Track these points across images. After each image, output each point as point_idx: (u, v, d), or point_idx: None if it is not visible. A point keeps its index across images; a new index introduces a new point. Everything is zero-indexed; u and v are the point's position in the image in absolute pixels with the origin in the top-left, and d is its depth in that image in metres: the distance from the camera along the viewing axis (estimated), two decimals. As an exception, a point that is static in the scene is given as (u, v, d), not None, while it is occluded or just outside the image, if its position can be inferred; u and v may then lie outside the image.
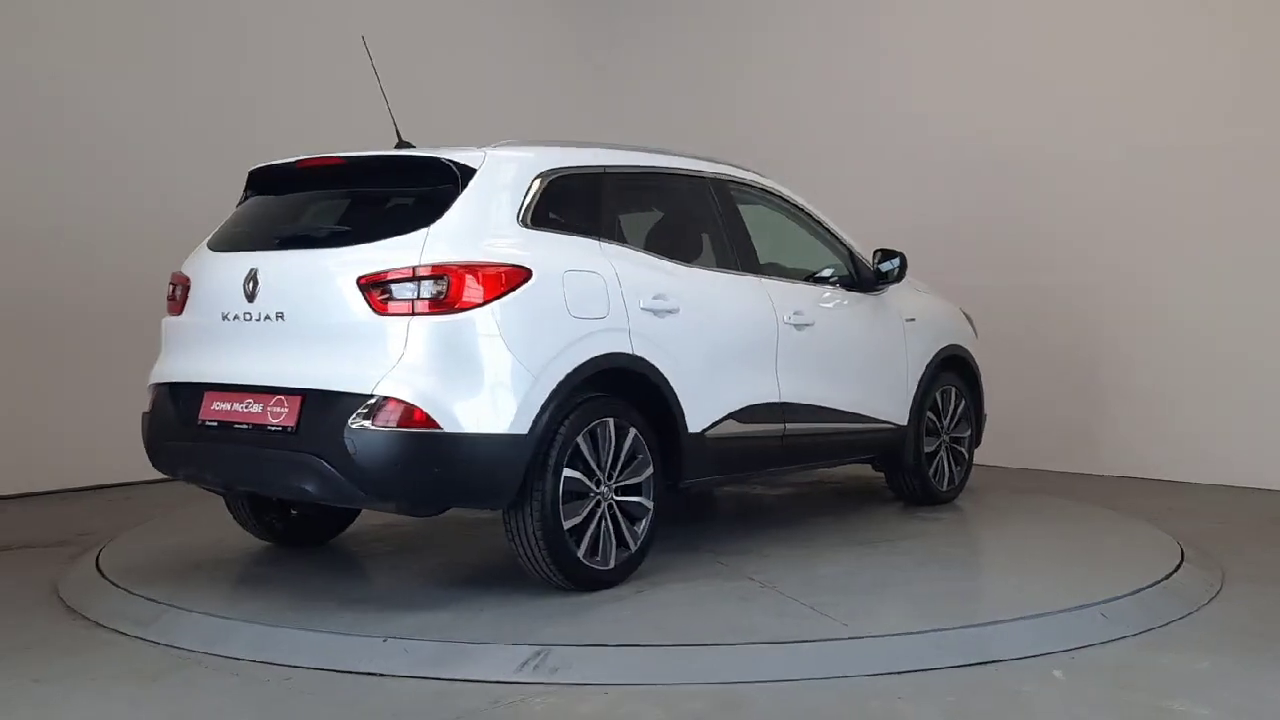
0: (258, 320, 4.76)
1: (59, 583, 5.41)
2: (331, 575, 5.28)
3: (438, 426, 4.39)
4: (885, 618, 4.48)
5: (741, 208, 6.08)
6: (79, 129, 7.88)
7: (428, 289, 4.46)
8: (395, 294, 4.48)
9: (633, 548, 4.98)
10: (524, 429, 4.53)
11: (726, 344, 5.43)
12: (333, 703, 3.89)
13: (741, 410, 5.46)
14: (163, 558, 5.65)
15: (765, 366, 5.61)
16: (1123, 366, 8.15)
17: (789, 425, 5.73)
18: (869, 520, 6.39)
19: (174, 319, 5.21)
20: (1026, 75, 8.55)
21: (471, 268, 4.51)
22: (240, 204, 5.43)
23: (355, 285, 4.53)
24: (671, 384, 5.09)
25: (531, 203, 4.87)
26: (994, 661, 4.21)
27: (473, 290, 4.49)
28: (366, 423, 4.40)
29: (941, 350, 6.71)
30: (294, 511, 5.77)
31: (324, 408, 4.51)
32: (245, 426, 4.71)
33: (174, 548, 5.89)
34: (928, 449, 6.65)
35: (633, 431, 4.96)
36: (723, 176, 5.90)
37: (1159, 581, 5.06)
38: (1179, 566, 5.31)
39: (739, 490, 7.45)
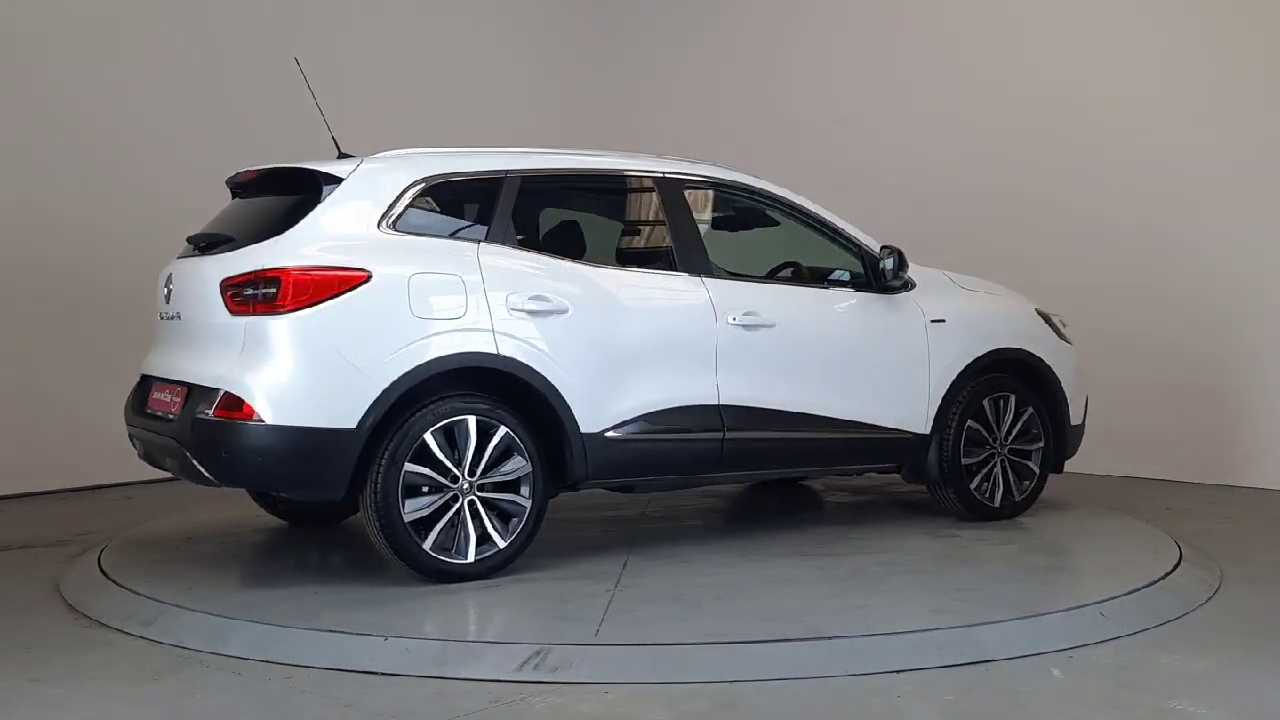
0: (170, 320, 5.37)
1: (60, 582, 5.42)
2: (333, 574, 5.29)
3: (260, 419, 4.75)
4: (680, 633, 4.36)
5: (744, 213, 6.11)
6: (78, 131, 7.88)
7: (264, 291, 4.85)
8: (242, 296, 4.91)
9: (501, 544, 5.06)
10: (351, 424, 4.79)
11: (636, 344, 5.37)
12: (334, 702, 3.90)
13: (661, 412, 5.40)
14: (164, 557, 5.66)
15: (697, 367, 5.50)
16: (1120, 367, 8.15)
17: (732, 430, 5.57)
18: (868, 532, 6.04)
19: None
20: (1030, 71, 8.57)
21: (304, 271, 4.85)
22: None
23: (219, 288, 4.98)
24: (554, 384, 5.14)
25: (399, 208, 5.13)
26: (992, 660, 4.23)
27: (303, 292, 4.82)
28: (207, 413, 4.86)
29: (989, 354, 6.21)
30: None
31: (192, 399, 5.00)
32: (159, 414, 5.26)
33: (175, 547, 5.90)
34: (970, 459, 6.15)
35: (502, 429, 5.05)
36: (676, 176, 5.78)
37: (1157, 581, 5.06)
38: (1177, 566, 5.31)
39: (819, 489, 7.37)
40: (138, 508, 7.20)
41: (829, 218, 6.11)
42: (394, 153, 5.39)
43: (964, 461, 6.14)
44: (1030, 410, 6.34)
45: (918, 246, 6.52)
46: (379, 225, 5.07)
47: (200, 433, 4.89)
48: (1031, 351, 6.38)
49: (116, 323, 7.56)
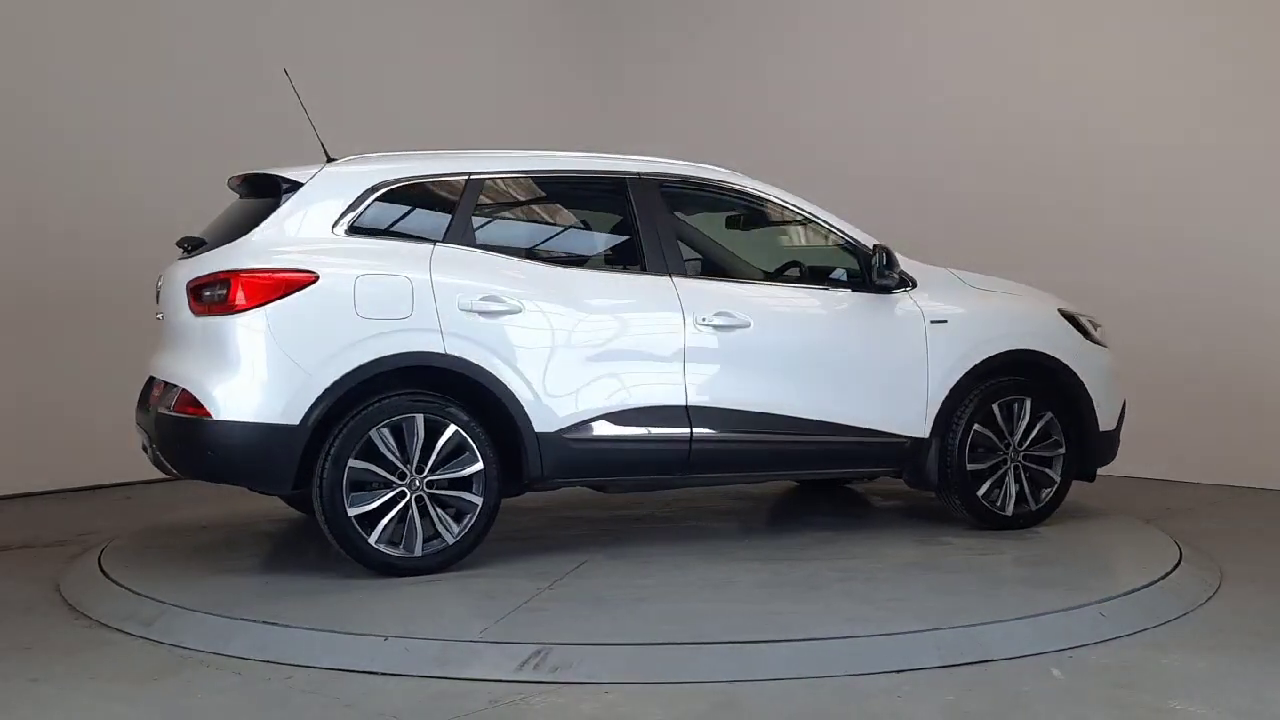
0: (159, 320, 5.56)
1: (61, 582, 5.43)
2: (333, 574, 5.28)
3: (208, 414, 4.99)
4: (575, 634, 4.36)
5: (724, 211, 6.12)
6: (78, 132, 7.88)
7: (217, 293, 5.09)
8: (202, 297, 5.15)
9: (449, 540, 5.17)
10: (294, 420, 4.97)
11: (595, 344, 5.39)
12: (334, 702, 3.91)
13: (622, 412, 5.40)
14: (164, 557, 5.66)
15: (662, 368, 5.47)
16: (1121, 367, 8.15)
17: (701, 432, 5.53)
18: (859, 538, 5.91)
19: None
20: (1037, 68, 8.57)
21: (253, 273, 5.04)
22: None
23: (185, 290, 5.22)
24: (505, 383, 5.21)
25: (355, 212, 5.28)
26: (992, 660, 4.23)
27: (249, 293, 5.02)
28: (169, 409, 5.17)
29: (1001, 355, 5.98)
30: None
31: (162, 396, 5.30)
32: (148, 410, 5.46)
33: (176, 547, 5.90)
34: (978, 465, 5.91)
35: (452, 428, 5.14)
36: (649, 176, 5.74)
37: (1157, 581, 5.07)
38: (1177, 566, 5.31)
39: (860, 491, 7.23)
40: (138, 508, 7.20)
41: (823, 216, 5.98)
42: (356, 157, 5.51)
43: (970, 467, 5.91)
44: (1049, 415, 6.05)
45: (937, 246, 6.43)
46: (334, 228, 5.23)
47: (162, 427, 5.23)
48: (1049, 354, 6.11)
49: (117, 323, 7.56)
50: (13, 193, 7.65)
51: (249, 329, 4.99)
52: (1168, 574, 5.18)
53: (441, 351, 5.14)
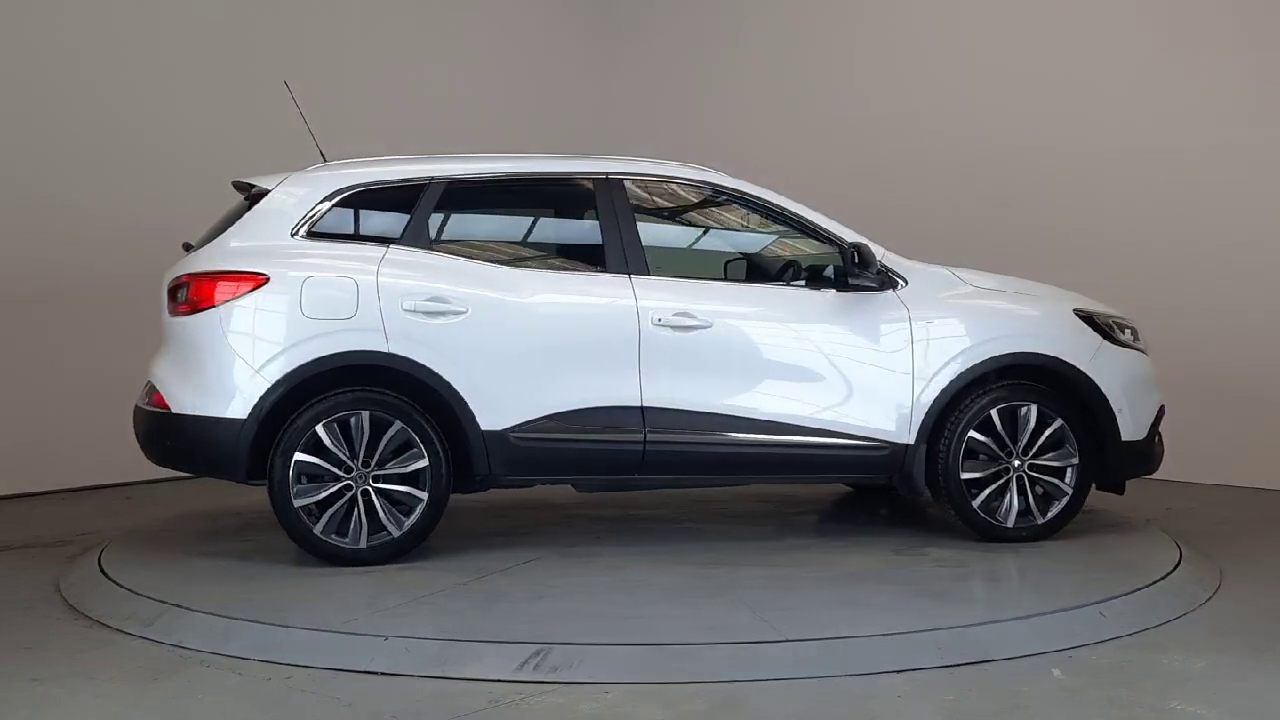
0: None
1: (60, 582, 5.43)
2: (332, 574, 5.29)
3: (168, 408, 5.38)
4: (456, 630, 4.40)
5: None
6: (80, 133, 7.88)
7: (180, 294, 5.46)
8: (175, 298, 5.51)
9: (395, 533, 5.35)
10: (242, 414, 5.26)
11: (542, 344, 5.44)
12: (333, 702, 3.91)
13: (572, 412, 5.44)
14: (164, 557, 5.66)
15: (614, 368, 5.46)
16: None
17: (655, 433, 5.49)
18: (841, 544, 5.75)
19: None
20: (1025, 73, 8.57)
21: (210, 276, 5.38)
22: None
23: (167, 291, 5.59)
24: (450, 381, 5.35)
25: (314, 217, 5.54)
26: (993, 660, 4.23)
27: (206, 294, 5.36)
28: (143, 403, 5.61)
29: (997, 358, 5.68)
30: None
31: (144, 390, 5.68)
32: None
33: (176, 547, 5.90)
34: (973, 474, 5.66)
35: (397, 424, 5.32)
36: (620, 176, 5.75)
37: (1157, 581, 5.07)
38: (1177, 566, 5.32)
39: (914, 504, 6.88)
40: (138, 507, 7.21)
41: (807, 215, 5.81)
42: (323, 165, 5.76)
43: (965, 476, 5.64)
44: (1059, 422, 5.72)
45: (944, 246, 6.35)
46: (293, 233, 5.48)
47: (138, 420, 5.66)
48: (1058, 357, 5.75)
49: (117, 324, 7.56)
50: (14, 193, 7.65)
51: (204, 328, 5.32)
52: (1168, 574, 5.18)
53: (385, 351, 5.31)
